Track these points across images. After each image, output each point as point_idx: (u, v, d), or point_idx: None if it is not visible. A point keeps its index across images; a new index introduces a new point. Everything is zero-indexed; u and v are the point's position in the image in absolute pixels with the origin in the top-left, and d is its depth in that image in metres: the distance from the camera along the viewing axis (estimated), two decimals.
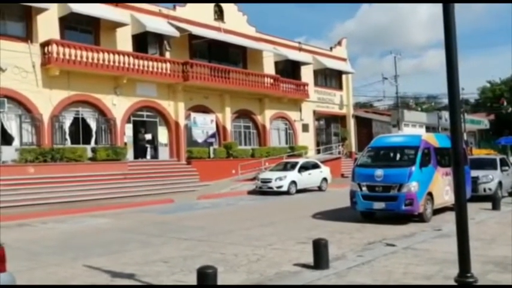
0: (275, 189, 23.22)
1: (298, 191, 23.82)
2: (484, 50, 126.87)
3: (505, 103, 50.99)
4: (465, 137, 43.31)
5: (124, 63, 24.27)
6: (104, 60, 23.44)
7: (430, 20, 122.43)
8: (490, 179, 18.01)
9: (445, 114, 42.03)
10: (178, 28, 27.14)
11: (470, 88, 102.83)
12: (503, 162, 20.06)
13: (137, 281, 7.35)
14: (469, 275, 4.40)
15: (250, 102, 32.07)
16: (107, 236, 12.02)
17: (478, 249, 8.76)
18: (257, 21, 61.63)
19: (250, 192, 24.17)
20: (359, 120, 42.90)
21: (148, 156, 26.92)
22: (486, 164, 19.09)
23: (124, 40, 25.45)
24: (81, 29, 24.28)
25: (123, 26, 24.97)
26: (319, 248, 7.61)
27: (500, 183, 18.31)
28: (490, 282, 6.63)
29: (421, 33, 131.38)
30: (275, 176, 23.82)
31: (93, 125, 24.21)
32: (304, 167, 25.05)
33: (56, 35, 22.52)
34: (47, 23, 22.24)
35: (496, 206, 15.21)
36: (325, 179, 25.92)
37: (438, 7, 4.53)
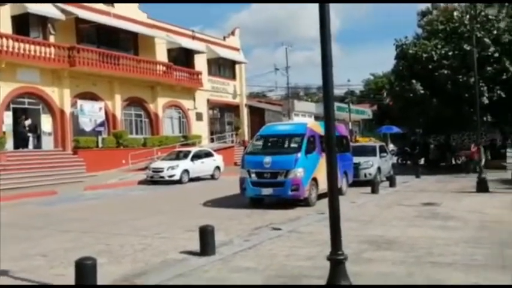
0: (167, 178, 22.93)
1: (191, 180, 23.77)
2: (371, 45, 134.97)
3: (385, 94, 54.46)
4: (350, 126, 45.74)
5: (2, 46, 22.50)
6: None
7: None
8: (370, 165, 19.24)
9: None
10: (63, 11, 25.62)
11: (356, 80, 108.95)
12: (382, 149, 21.56)
13: (11, 278, 6.89)
14: (340, 252, 4.67)
15: (142, 89, 31.21)
16: None
17: (356, 230, 9.34)
18: (149, 8, 59.91)
19: (141, 182, 23.59)
20: (252, 109, 43.56)
21: (30, 146, 25.20)
22: (367, 151, 20.38)
23: (2, 21, 23.52)
24: None
25: (1, 5, 23.07)
26: (206, 235, 7.65)
27: (379, 168, 19.66)
28: (364, 259, 7.10)
29: (313, 27, 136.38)
30: (167, 165, 23.50)
31: None
32: (197, 156, 25.03)
33: None
34: None
35: (375, 190, 16.35)
36: (218, 168, 26.11)
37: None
